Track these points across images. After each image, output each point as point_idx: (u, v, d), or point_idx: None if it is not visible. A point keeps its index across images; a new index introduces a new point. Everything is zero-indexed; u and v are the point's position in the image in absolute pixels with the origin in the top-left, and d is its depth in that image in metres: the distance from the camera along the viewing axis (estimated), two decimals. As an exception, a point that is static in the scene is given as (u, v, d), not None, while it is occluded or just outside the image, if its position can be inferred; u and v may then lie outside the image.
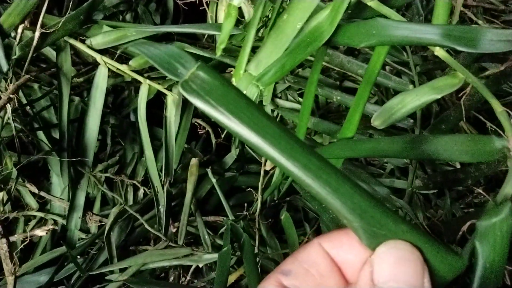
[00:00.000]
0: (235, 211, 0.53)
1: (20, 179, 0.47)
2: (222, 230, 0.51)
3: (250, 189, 0.53)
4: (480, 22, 0.69)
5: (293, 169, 0.19)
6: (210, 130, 0.56)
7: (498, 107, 0.26)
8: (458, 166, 0.54)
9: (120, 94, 0.57)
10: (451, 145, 0.28)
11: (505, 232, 0.22)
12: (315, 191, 0.20)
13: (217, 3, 0.59)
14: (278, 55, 0.32)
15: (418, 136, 0.34)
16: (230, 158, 0.57)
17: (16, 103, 0.42)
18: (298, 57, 0.31)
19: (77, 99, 0.52)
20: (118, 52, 0.45)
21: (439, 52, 0.28)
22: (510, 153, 0.25)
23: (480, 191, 0.31)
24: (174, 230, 0.48)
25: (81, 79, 0.52)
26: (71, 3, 0.44)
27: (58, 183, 0.47)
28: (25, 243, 0.39)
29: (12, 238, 0.39)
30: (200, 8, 0.56)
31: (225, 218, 0.49)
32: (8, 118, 0.39)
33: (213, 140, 0.56)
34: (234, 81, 0.34)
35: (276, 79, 0.31)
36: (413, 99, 0.29)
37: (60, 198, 0.46)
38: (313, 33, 0.29)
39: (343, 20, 0.29)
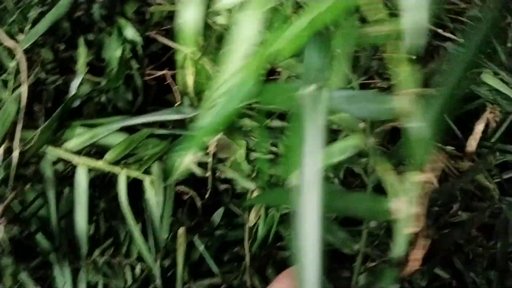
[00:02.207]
0: (229, 267, 0.57)
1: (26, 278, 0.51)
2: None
3: (238, 247, 0.56)
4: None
5: None
6: (194, 194, 0.59)
7: (383, 172, 0.27)
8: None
9: (106, 176, 0.60)
10: (354, 203, 0.29)
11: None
12: None
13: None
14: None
15: (335, 192, 0.34)
16: (218, 216, 0.60)
17: (10, 215, 0.46)
18: (222, 118, 0.32)
19: (66, 190, 0.56)
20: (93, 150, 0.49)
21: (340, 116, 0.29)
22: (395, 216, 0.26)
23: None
24: (173, 300, 0.52)
25: (67, 171, 0.56)
26: (43, 114, 0.48)
27: (61, 275, 0.51)
28: None
29: None
30: (165, 83, 0.60)
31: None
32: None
33: (198, 204, 0.59)
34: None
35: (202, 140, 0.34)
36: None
37: (64, 290, 0.50)
38: (236, 91, 0.30)
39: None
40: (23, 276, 0.47)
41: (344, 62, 0.28)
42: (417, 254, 0.26)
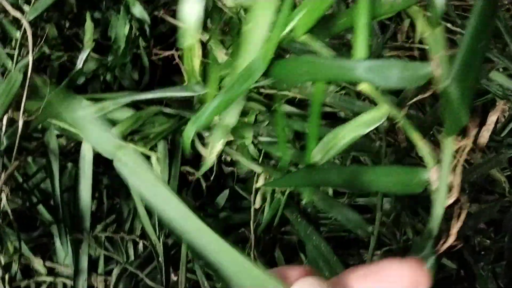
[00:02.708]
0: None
1: (27, 250, 0.50)
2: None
3: (243, 229, 0.55)
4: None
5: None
6: (199, 175, 0.59)
7: (418, 141, 0.26)
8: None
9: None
10: (384, 177, 0.28)
11: (431, 267, 0.23)
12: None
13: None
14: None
15: (360, 167, 0.36)
16: (222, 198, 0.60)
17: (13, 184, 0.46)
18: (233, 96, 0.32)
19: (70, 165, 0.55)
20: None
21: (363, 86, 0.27)
22: (432, 186, 0.25)
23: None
24: (175, 279, 0.51)
25: (72, 144, 0.55)
26: (50, 82, 0.48)
27: (62, 249, 0.50)
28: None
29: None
30: (174, 62, 0.59)
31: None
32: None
33: (203, 184, 0.59)
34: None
35: (212, 118, 0.33)
36: (344, 134, 0.29)
37: (65, 264, 0.49)
38: (246, 71, 0.30)
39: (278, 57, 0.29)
40: (24, 246, 0.46)
41: (367, 32, 0.27)
42: (455, 227, 0.25)
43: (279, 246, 0.55)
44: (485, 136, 0.58)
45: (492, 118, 0.58)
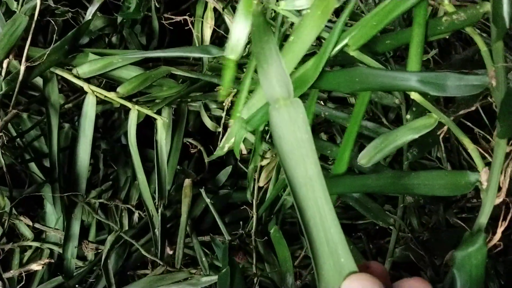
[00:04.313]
0: (232, 228, 0.53)
1: (14, 211, 0.47)
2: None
3: (245, 206, 0.53)
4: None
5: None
6: (202, 148, 0.56)
7: (469, 145, 0.27)
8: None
9: (111, 116, 0.57)
10: (429, 181, 0.30)
11: (480, 261, 0.24)
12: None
13: (202, 22, 0.59)
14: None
15: (400, 172, 0.37)
16: (224, 175, 0.57)
17: (6, 138, 0.42)
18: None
19: (67, 126, 0.52)
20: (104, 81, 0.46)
21: (415, 96, 0.29)
22: (482, 186, 0.27)
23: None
24: (171, 252, 0.48)
25: (70, 105, 0.52)
26: (55, 33, 0.44)
27: (53, 212, 0.47)
28: (21, 277, 0.39)
29: (7, 275, 0.38)
30: (186, 28, 0.56)
31: (221, 238, 0.50)
32: (-2, 154, 0.38)
33: (206, 159, 0.56)
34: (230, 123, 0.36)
35: (263, 122, 0.33)
36: (394, 139, 0.31)
37: (55, 229, 0.46)
38: (299, 79, 0.31)
39: (328, 67, 0.31)
40: (13, 208, 0.43)
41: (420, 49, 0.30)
42: (502, 226, 0.26)
43: (281, 227, 0.53)
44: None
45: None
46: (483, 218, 0.26)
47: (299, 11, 0.33)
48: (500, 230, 0.26)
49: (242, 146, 0.52)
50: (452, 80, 0.28)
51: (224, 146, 0.38)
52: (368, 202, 0.46)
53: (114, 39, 0.59)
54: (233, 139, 0.37)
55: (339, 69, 0.33)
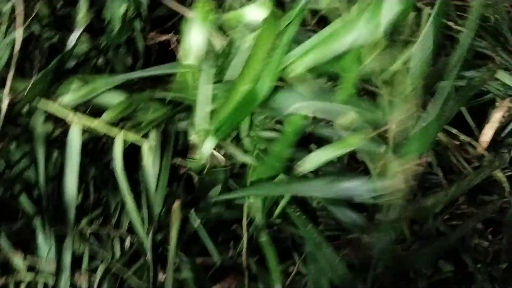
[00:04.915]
0: (224, 247, 0.53)
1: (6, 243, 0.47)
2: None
3: (236, 225, 0.53)
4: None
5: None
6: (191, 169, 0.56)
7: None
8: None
9: (99, 140, 0.57)
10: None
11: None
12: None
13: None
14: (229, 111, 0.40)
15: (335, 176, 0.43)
16: (215, 193, 0.57)
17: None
18: (244, 114, 0.41)
19: (56, 153, 0.52)
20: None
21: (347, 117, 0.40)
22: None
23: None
24: (163, 278, 0.48)
25: (58, 131, 0.52)
26: (39, 61, 0.44)
27: (44, 242, 0.47)
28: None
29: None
30: (169, 48, 0.56)
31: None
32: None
33: (195, 178, 0.56)
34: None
35: (229, 131, 0.41)
36: (331, 152, 0.40)
37: (48, 260, 0.46)
38: (252, 94, 0.37)
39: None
40: (3, 239, 0.43)
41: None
42: None
43: (274, 244, 0.53)
44: (488, 134, 0.57)
45: (496, 116, 0.57)
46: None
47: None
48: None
49: (219, 156, 0.52)
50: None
51: (193, 159, 0.45)
52: (347, 212, 0.46)
53: (100, 61, 0.59)
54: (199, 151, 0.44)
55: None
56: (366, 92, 0.44)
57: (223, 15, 0.43)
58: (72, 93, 0.44)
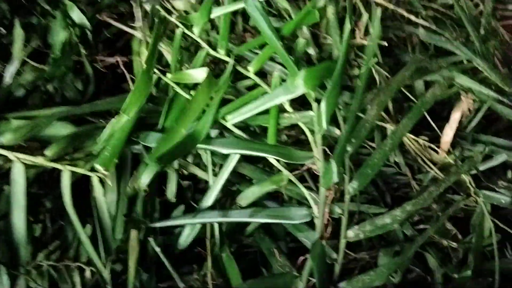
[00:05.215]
0: (191, 267, 0.53)
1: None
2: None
3: (198, 248, 0.52)
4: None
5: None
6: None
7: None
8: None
9: (54, 171, 0.55)
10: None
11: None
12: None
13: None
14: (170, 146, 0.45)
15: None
16: (178, 213, 0.56)
17: None
18: (186, 150, 0.48)
19: (7, 188, 0.51)
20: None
21: (273, 160, 0.50)
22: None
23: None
24: (126, 307, 0.48)
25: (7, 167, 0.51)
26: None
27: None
28: None
29: None
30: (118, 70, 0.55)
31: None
32: None
33: (157, 200, 0.55)
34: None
35: (171, 160, 0.49)
36: (256, 192, 0.51)
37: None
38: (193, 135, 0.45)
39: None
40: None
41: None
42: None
43: (239, 261, 0.52)
44: (449, 135, 0.56)
45: (455, 116, 0.56)
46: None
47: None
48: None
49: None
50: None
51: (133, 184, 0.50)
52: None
53: (50, 88, 0.57)
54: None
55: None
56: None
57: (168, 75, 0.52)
58: (13, 133, 0.43)
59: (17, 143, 0.43)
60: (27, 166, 0.45)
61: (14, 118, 0.44)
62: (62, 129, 0.46)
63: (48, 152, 0.43)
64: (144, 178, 0.47)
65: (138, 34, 0.56)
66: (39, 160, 0.43)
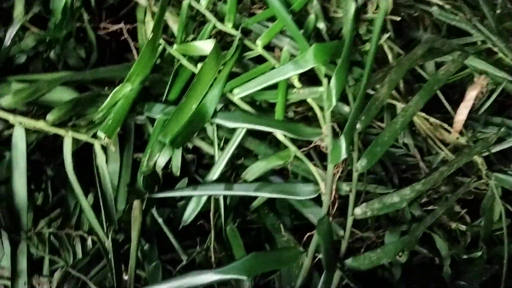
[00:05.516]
0: (194, 241, 0.52)
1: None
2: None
3: (203, 220, 0.51)
4: None
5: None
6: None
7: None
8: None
9: (58, 138, 0.54)
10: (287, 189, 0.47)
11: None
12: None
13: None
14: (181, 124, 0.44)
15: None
16: (181, 185, 0.55)
17: None
18: (195, 128, 0.46)
19: (8, 154, 0.49)
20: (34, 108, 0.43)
21: (280, 136, 0.48)
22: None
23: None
24: (127, 278, 0.47)
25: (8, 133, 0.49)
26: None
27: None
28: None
29: None
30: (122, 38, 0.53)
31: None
32: None
33: (160, 172, 0.54)
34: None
35: (183, 143, 0.46)
36: (262, 166, 0.49)
37: (1, 266, 0.44)
38: (201, 112, 0.44)
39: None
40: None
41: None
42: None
43: (242, 236, 0.51)
44: (463, 113, 0.55)
45: (471, 94, 0.54)
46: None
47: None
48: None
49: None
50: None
51: (146, 167, 0.49)
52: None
53: (52, 54, 0.55)
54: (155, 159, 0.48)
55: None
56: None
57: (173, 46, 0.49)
58: (13, 96, 0.41)
59: (17, 106, 0.42)
60: (29, 132, 0.44)
61: (15, 81, 0.42)
62: (65, 95, 0.44)
63: (50, 116, 0.42)
64: (161, 161, 0.48)
65: (142, 1, 0.54)
66: (40, 125, 0.42)
